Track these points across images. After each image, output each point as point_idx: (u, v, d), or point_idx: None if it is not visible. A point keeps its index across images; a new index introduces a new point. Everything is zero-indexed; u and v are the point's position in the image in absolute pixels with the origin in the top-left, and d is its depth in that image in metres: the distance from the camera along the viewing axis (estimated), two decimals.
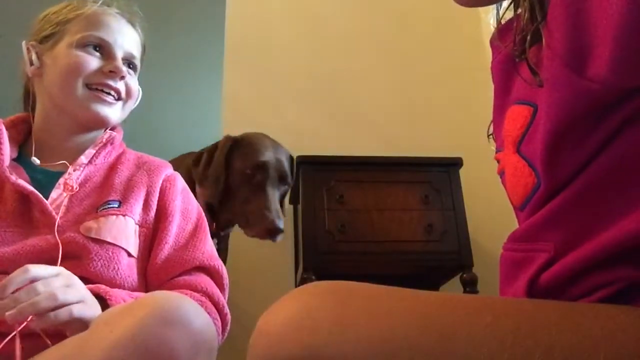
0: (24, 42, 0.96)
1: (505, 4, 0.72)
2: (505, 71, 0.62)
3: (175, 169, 1.07)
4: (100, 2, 0.98)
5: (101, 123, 0.97)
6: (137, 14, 1.03)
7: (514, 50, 0.58)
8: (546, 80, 0.50)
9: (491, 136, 0.75)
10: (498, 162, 0.65)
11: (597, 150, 0.48)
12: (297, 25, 2.33)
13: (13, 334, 0.66)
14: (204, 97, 3.08)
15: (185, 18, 2.93)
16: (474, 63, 2.37)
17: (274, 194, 1.40)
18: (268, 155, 1.43)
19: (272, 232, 1.35)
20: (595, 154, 0.48)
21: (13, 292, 0.65)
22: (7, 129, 0.93)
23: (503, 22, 0.72)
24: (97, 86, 0.93)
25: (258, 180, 1.41)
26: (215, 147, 1.46)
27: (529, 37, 0.52)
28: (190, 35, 2.97)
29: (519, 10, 0.55)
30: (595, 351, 0.38)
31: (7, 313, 0.64)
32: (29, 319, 0.65)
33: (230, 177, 1.41)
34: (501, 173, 0.63)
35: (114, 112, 0.96)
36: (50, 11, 0.98)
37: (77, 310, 0.67)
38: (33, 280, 0.66)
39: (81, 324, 0.67)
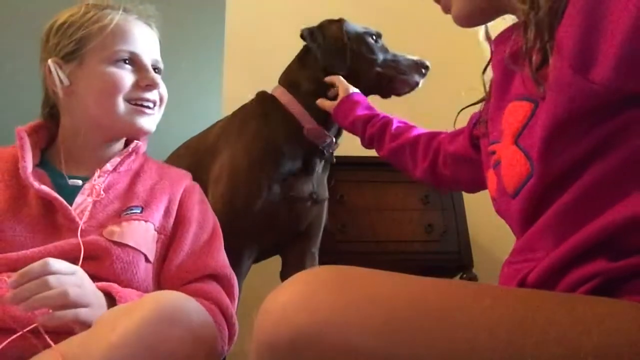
0: (50, 61, 0.93)
1: (492, 23, 0.76)
2: (506, 70, 0.65)
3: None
4: (120, 9, 0.96)
5: (144, 134, 0.99)
6: (154, 17, 1.03)
7: (515, 61, 0.61)
8: (551, 80, 0.52)
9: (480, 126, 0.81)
10: (493, 153, 0.67)
11: (590, 152, 0.50)
12: (297, 26, 2.33)
13: (18, 333, 0.67)
14: (204, 97, 3.08)
15: (184, 18, 2.93)
16: (474, 63, 2.38)
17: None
18: None
19: (424, 67, 1.37)
20: (588, 156, 0.51)
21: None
22: (28, 135, 0.93)
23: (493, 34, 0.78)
24: (137, 101, 0.94)
25: (381, 44, 1.41)
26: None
27: (536, 58, 0.55)
28: (190, 35, 2.97)
29: (523, 29, 0.58)
30: (588, 333, 0.40)
31: (21, 304, 0.65)
32: (37, 312, 0.67)
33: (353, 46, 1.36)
34: (495, 163, 0.66)
35: (154, 121, 0.98)
36: (66, 22, 0.94)
37: (84, 315, 0.68)
38: (49, 275, 0.67)
39: (83, 327, 0.68)
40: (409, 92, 1.36)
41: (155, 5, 1.05)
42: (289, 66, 1.43)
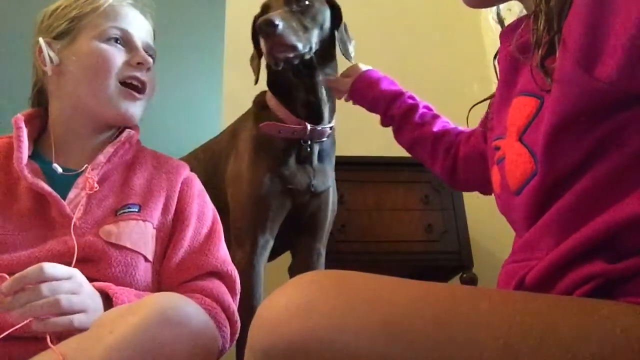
0: (40, 39, 0.92)
1: (503, 6, 0.74)
2: (512, 64, 0.64)
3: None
4: None
5: (128, 121, 0.96)
6: (150, 4, 1.02)
7: (523, 53, 0.60)
8: (556, 75, 0.51)
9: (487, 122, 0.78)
10: (497, 148, 0.67)
11: (593, 150, 0.50)
12: None
13: (3, 334, 0.66)
14: (204, 97, 3.08)
15: (185, 18, 2.92)
16: (475, 62, 2.38)
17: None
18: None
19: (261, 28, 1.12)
20: (591, 154, 0.50)
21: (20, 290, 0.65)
22: (25, 124, 0.91)
23: (505, 20, 0.76)
24: (128, 79, 0.92)
25: (282, 28, 1.15)
26: None
27: (542, 49, 0.54)
28: (190, 35, 2.97)
29: (533, 19, 0.57)
30: (587, 340, 0.40)
31: (13, 313, 0.64)
32: (28, 320, 0.65)
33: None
34: (500, 159, 0.65)
35: (139, 109, 0.96)
36: (60, 5, 0.96)
37: (78, 321, 0.67)
38: (44, 281, 0.66)
39: (81, 331, 0.67)
40: (284, 56, 1.17)
41: (155, 5, 1.05)
42: None
